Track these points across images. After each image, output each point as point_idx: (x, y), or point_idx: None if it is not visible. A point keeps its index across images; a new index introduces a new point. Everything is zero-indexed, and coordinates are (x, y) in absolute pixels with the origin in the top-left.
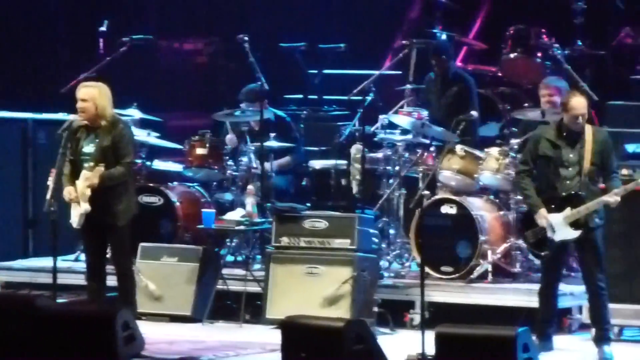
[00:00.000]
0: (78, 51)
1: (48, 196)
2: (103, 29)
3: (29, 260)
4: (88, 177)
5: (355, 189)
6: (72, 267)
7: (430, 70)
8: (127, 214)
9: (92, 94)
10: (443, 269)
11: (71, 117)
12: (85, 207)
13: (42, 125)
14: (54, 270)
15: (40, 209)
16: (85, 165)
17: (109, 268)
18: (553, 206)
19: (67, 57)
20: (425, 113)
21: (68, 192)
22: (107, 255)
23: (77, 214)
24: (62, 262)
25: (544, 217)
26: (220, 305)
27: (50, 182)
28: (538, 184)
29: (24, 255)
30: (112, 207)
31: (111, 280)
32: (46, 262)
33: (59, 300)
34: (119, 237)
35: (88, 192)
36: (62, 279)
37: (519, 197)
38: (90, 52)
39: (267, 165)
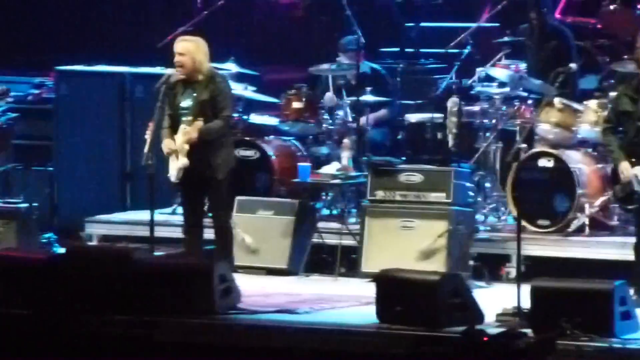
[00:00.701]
0: (174, 5)
1: (146, 149)
2: None
3: (127, 213)
4: (187, 132)
5: (451, 143)
6: (169, 220)
7: (526, 22)
8: (226, 167)
9: (190, 48)
10: (540, 222)
11: (168, 71)
12: (184, 161)
13: (139, 79)
14: (152, 223)
15: (138, 163)
16: (183, 119)
17: (206, 221)
18: (635, 160)
19: (163, 10)
20: (523, 65)
21: (167, 145)
22: (204, 209)
23: (175, 167)
24: (160, 215)
25: (625, 169)
26: (315, 259)
27: (148, 135)
28: (622, 139)
29: (121, 208)
30: (211, 161)
31: (208, 234)
32: (143, 215)
33: (156, 253)
34: (217, 190)
35: (186, 146)
36: (160, 232)
37: None
38: (186, 5)
39: (362, 119)
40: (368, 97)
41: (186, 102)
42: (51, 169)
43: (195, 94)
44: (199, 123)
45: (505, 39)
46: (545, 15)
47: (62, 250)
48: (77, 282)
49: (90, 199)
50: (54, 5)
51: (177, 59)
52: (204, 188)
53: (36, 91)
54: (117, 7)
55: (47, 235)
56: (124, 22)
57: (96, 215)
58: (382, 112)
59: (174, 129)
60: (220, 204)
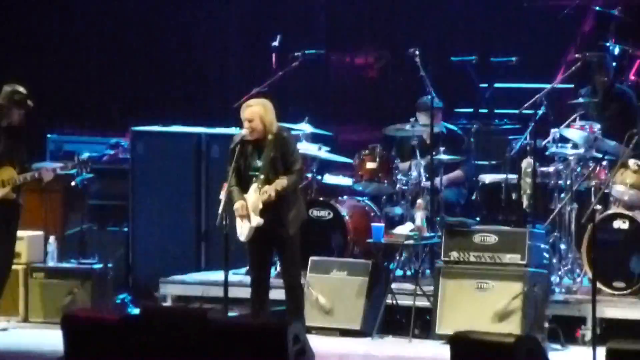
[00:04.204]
0: (250, 66)
1: (220, 210)
2: (275, 44)
3: (201, 273)
4: (265, 191)
5: (525, 204)
6: (244, 280)
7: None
8: (297, 222)
9: (259, 113)
10: (615, 284)
11: (243, 131)
12: (258, 220)
13: (214, 139)
14: (226, 284)
15: (212, 223)
16: (255, 179)
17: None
18: None
19: (239, 72)
20: (597, 127)
21: (241, 206)
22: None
23: (247, 227)
24: (234, 275)
25: None
26: (389, 320)
27: (222, 196)
28: None
29: (196, 268)
30: (283, 218)
31: (276, 294)
32: (218, 275)
33: (231, 314)
34: (290, 247)
35: (260, 205)
36: (234, 293)
37: None
38: (262, 67)
39: (436, 179)
40: (442, 157)
41: (258, 162)
42: (126, 229)
43: (265, 153)
44: (281, 181)
45: (580, 100)
46: (610, 78)
47: (136, 310)
48: (151, 342)
49: (165, 259)
50: (130, 66)
51: (247, 125)
52: (273, 246)
53: (112, 151)
54: (193, 68)
55: (121, 296)
56: (199, 83)
57: (171, 275)
58: (457, 173)
59: (242, 188)
60: (293, 262)
